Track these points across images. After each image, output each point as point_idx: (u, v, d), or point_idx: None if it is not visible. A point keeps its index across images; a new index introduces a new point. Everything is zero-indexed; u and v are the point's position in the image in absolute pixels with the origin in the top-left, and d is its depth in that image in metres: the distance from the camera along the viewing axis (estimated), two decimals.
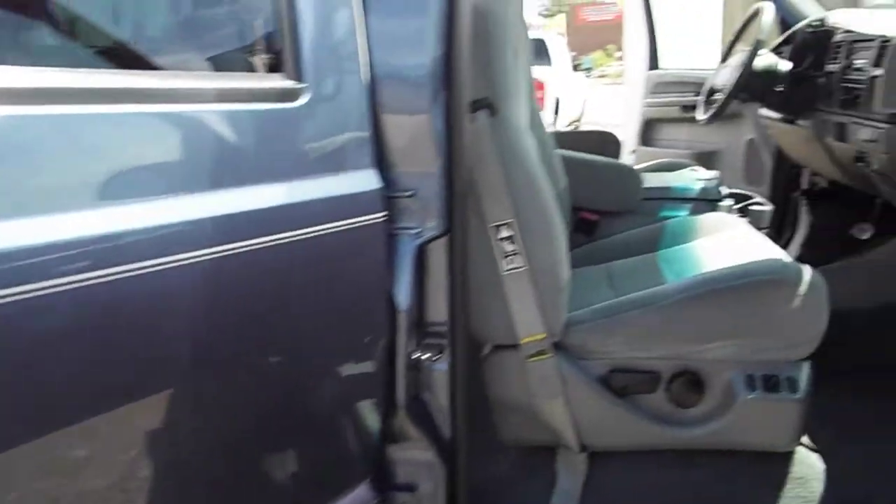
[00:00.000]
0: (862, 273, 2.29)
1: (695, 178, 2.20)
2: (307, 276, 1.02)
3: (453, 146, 1.11)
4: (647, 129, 3.38)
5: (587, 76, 9.73)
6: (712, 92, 2.31)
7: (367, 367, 1.15)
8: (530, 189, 1.37)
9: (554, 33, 9.46)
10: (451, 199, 1.13)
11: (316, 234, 1.00)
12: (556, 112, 7.74)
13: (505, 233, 1.31)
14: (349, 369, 1.14)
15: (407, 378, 1.18)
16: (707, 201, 2.07)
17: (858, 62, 1.82)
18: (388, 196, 1.11)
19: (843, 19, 1.97)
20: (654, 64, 3.43)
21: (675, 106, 3.18)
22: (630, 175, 2.16)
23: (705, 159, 3.03)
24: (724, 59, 2.34)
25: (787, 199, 2.75)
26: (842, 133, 1.91)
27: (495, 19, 1.36)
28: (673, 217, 1.97)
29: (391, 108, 1.11)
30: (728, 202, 2.06)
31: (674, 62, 3.61)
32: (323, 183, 1.04)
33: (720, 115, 2.16)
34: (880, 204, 2.30)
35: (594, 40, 31.78)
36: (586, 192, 1.98)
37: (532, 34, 8.51)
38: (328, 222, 1.02)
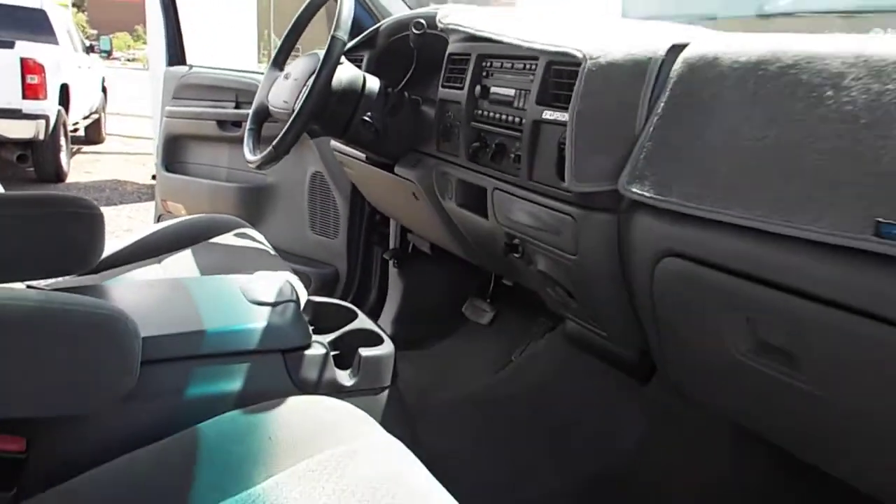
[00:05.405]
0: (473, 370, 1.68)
1: (256, 289, 1.09)
2: None
3: None
4: (171, 148, 2.38)
5: (104, 59, 8.06)
6: (264, 116, 1.44)
7: None
8: None
9: (55, 3, 7.60)
10: None
11: None
12: (65, 102, 6.13)
13: None
14: None
15: None
16: (274, 353, 0.99)
17: (501, 90, 1.12)
18: None
19: (470, 19, 1.23)
20: (177, 58, 2.45)
21: (209, 119, 2.24)
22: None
23: (253, 197, 2.17)
24: (278, 61, 1.49)
25: (369, 254, 2.04)
26: (472, 200, 1.21)
27: None
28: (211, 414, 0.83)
29: None
30: (317, 350, 1.04)
31: (208, 59, 2.67)
32: None
33: (280, 158, 1.30)
34: (496, 278, 1.71)
35: (120, 19, 28.69)
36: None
37: (30, 2, 6.75)
38: None
